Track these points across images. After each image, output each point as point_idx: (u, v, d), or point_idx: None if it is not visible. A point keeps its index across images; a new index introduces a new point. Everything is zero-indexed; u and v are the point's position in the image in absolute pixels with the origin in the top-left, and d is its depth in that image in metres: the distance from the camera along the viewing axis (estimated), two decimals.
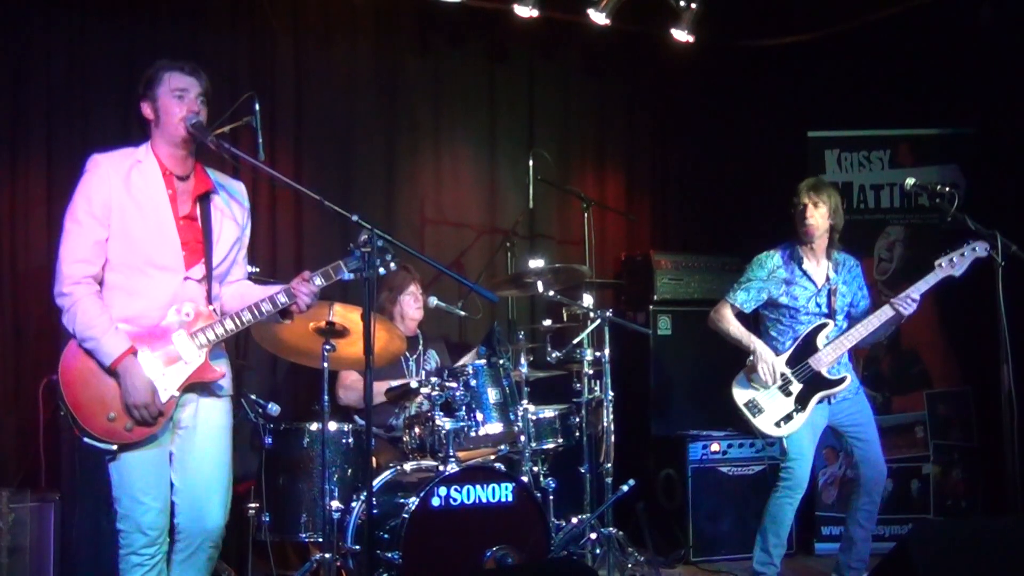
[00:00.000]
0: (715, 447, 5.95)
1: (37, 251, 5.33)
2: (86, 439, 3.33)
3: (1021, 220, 5.25)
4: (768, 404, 4.76)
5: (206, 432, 3.52)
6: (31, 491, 4.77)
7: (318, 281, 3.51)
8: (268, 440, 4.61)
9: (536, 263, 5.46)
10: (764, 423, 4.75)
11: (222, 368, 3.54)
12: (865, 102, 6.71)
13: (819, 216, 4.77)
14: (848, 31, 6.68)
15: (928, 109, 6.40)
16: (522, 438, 4.88)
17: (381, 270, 3.43)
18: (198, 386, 3.50)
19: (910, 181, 4.67)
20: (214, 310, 3.50)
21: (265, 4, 6.00)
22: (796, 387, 4.75)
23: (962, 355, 6.21)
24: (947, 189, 4.53)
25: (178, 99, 3.46)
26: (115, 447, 3.34)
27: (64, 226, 3.44)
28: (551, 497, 5.06)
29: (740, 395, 4.81)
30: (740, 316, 4.94)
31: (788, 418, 4.74)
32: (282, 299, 3.49)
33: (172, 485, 3.50)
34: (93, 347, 3.34)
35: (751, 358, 4.81)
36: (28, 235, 5.36)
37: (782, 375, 4.75)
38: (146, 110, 3.51)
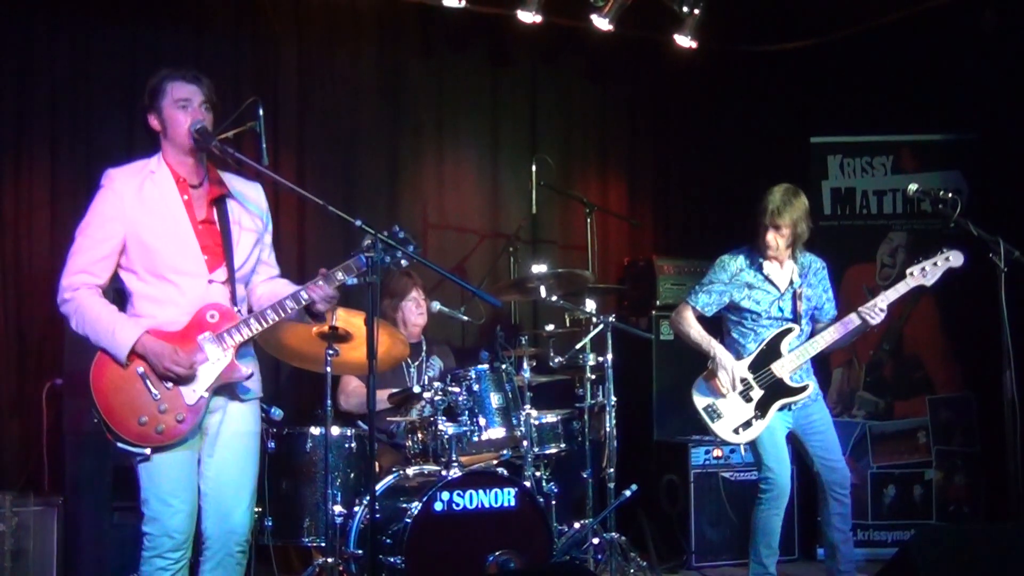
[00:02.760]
0: (717, 452, 5.95)
1: (40, 256, 5.35)
2: (119, 444, 3.36)
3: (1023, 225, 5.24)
4: (727, 410, 4.68)
5: (233, 438, 3.54)
6: (34, 495, 4.79)
7: (339, 276, 3.51)
8: (271, 444, 4.62)
9: (539, 268, 5.46)
10: (722, 429, 4.67)
11: (250, 367, 3.55)
12: (868, 108, 6.72)
13: (779, 238, 4.68)
14: (851, 36, 6.69)
15: (931, 115, 6.40)
16: (524, 443, 4.89)
17: (403, 262, 3.48)
18: (227, 390, 3.52)
19: (913, 187, 4.66)
20: (238, 311, 3.52)
21: (268, 9, 6.03)
22: (757, 393, 4.66)
23: (964, 360, 6.20)
24: (950, 195, 4.51)
25: (182, 109, 3.47)
26: (148, 450, 3.36)
27: (74, 239, 3.48)
28: (553, 502, 5.08)
29: (699, 400, 4.73)
30: (701, 319, 4.85)
31: (747, 425, 4.65)
32: (304, 295, 3.51)
33: (200, 492, 3.52)
34: (108, 343, 3.36)
35: (711, 363, 4.74)
36: (32, 240, 5.38)
37: (743, 380, 4.67)
38: (153, 122, 3.53)
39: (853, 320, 4.61)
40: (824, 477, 4.71)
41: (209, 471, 3.51)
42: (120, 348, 3.35)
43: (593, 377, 5.30)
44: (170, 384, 3.39)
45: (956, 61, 6.26)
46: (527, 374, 5.09)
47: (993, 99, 6.15)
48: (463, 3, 5.99)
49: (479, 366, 4.82)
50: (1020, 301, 4.34)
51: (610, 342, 5.26)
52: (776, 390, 4.67)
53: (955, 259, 4.54)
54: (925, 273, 4.56)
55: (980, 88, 6.21)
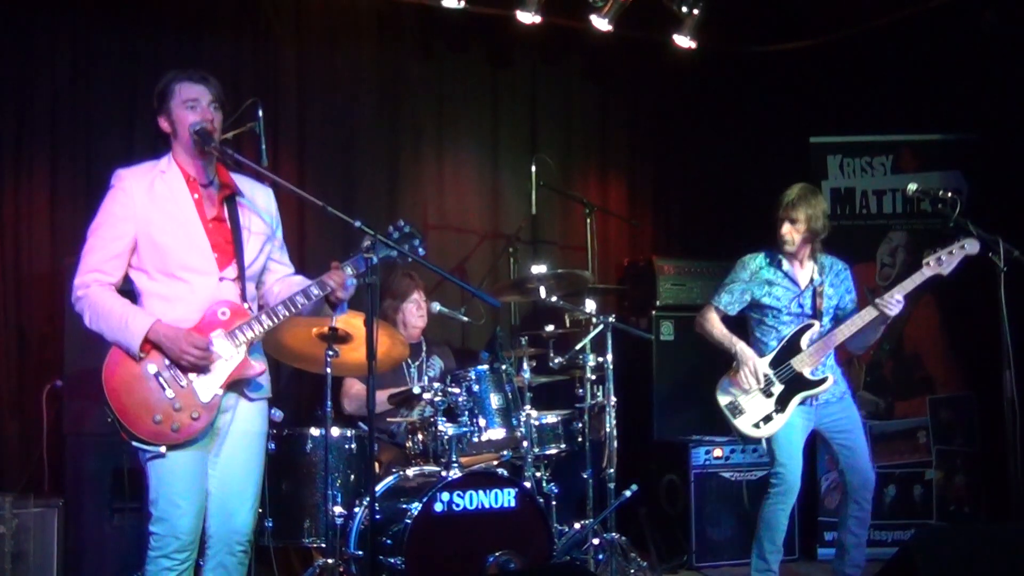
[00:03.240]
0: (718, 452, 5.95)
1: (41, 257, 5.35)
2: (134, 443, 3.36)
3: (1023, 226, 5.24)
4: (748, 405, 4.74)
5: (240, 438, 3.54)
6: (35, 496, 4.78)
7: (348, 271, 3.53)
8: (271, 445, 4.60)
9: (539, 268, 5.46)
10: (744, 424, 4.73)
11: (261, 364, 3.56)
12: (867, 108, 6.72)
13: (795, 232, 4.75)
14: (850, 37, 6.69)
15: (930, 114, 6.40)
16: (525, 443, 4.89)
17: (409, 259, 3.52)
18: (238, 388, 3.52)
19: (912, 186, 4.67)
20: (249, 308, 3.53)
21: (268, 11, 6.03)
22: (777, 388, 4.72)
23: (965, 360, 6.20)
24: (949, 194, 4.52)
25: (191, 110, 3.48)
26: (163, 448, 3.36)
27: (86, 238, 3.49)
28: (553, 502, 5.08)
29: (723, 397, 4.80)
30: (726, 319, 4.91)
31: (768, 419, 4.70)
32: (315, 291, 3.51)
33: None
34: (122, 334, 3.36)
35: (735, 362, 4.80)
36: (32, 242, 5.38)
37: (764, 376, 4.73)
38: (163, 124, 3.54)
39: (870, 312, 4.64)
40: (847, 478, 4.74)
41: (215, 471, 3.51)
42: (134, 337, 3.35)
43: (593, 377, 5.30)
44: (184, 382, 3.39)
45: (956, 61, 6.25)
46: (527, 375, 5.09)
47: (993, 99, 6.15)
48: (462, 4, 5.99)
49: (479, 367, 4.83)
50: (1020, 301, 4.34)
51: (610, 342, 5.26)
52: (796, 384, 4.72)
53: (971, 247, 4.53)
54: (941, 262, 4.56)
55: (980, 88, 6.21)
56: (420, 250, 3.57)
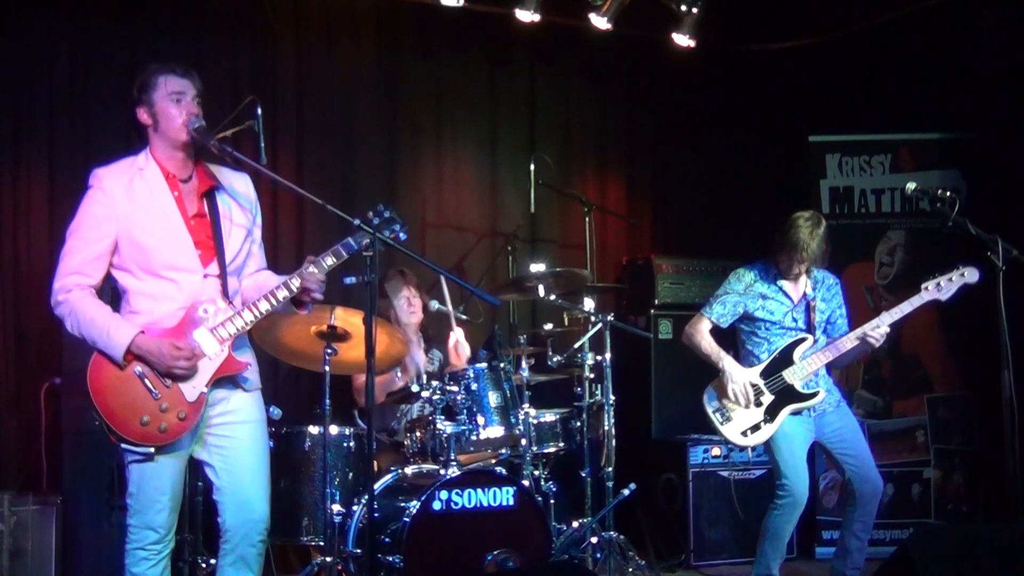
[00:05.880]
0: (716, 451, 5.95)
1: (39, 255, 5.34)
2: (123, 445, 3.36)
3: (1022, 224, 5.24)
4: (736, 413, 4.72)
5: (242, 426, 3.53)
6: (33, 494, 4.79)
7: (329, 261, 3.52)
8: (270, 443, 4.60)
9: (537, 267, 5.46)
10: (731, 431, 4.72)
11: (246, 358, 3.56)
12: (866, 107, 6.72)
13: (803, 265, 4.73)
14: (849, 36, 6.69)
15: (929, 114, 6.41)
16: (523, 442, 4.89)
17: (390, 244, 3.50)
18: (226, 382, 3.51)
19: (911, 185, 4.67)
20: (230, 304, 3.51)
21: (267, 9, 6.02)
22: (767, 398, 4.70)
23: (963, 359, 6.21)
24: (948, 193, 4.52)
25: (176, 102, 3.46)
26: (152, 449, 3.36)
27: (65, 241, 3.46)
28: (552, 501, 5.08)
29: (710, 402, 4.78)
30: (715, 330, 4.89)
31: (756, 428, 4.69)
32: (295, 283, 3.50)
33: (213, 486, 3.53)
34: (104, 344, 3.35)
35: (722, 375, 4.78)
36: (30, 239, 5.38)
37: (754, 387, 4.71)
38: (143, 116, 3.51)
39: (852, 341, 4.64)
40: (855, 485, 4.71)
41: (222, 463, 3.50)
42: (116, 349, 3.34)
43: (591, 376, 5.31)
44: (169, 382, 3.38)
45: (954, 60, 6.26)
46: (525, 373, 5.09)
47: (991, 98, 6.16)
48: (461, 2, 5.98)
49: (477, 365, 4.82)
50: (1018, 300, 4.35)
51: (608, 341, 5.26)
52: (786, 396, 4.70)
53: (970, 275, 4.57)
54: (940, 288, 4.59)
55: (978, 87, 6.21)
56: (401, 235, 3.54)
